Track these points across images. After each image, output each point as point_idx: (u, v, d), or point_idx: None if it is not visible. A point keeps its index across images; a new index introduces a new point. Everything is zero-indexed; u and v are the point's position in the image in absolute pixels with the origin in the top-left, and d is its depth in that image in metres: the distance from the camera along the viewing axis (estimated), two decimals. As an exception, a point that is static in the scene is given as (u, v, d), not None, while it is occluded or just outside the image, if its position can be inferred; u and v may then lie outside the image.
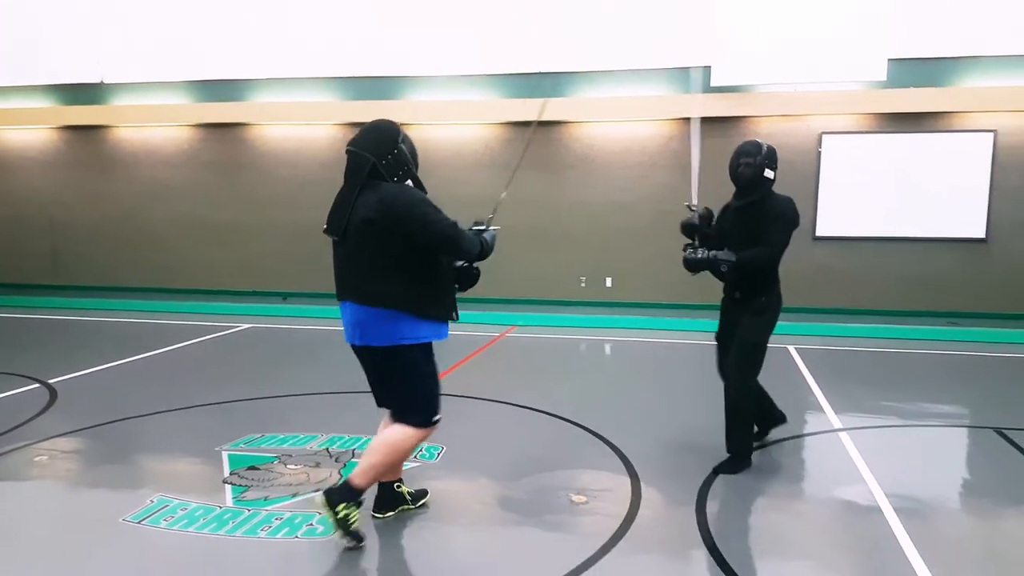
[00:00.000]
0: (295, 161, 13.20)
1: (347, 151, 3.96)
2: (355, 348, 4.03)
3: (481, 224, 4.15)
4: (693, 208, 5.20)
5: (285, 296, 13.09)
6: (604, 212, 11.78)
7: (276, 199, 13.31)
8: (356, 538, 3.90)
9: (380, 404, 4.19)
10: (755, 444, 5.37)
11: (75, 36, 13.63)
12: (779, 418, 5.58)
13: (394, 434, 3.96)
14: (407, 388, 3.97)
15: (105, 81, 13.65)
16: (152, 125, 13.68)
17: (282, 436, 5.78)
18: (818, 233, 11.40)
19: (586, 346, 9.97)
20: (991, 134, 10.89)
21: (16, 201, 14.45)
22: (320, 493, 3.88)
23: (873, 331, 10.35)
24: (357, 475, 3.90)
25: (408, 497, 4.38)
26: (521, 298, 11.94)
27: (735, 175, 5.03)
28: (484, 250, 4.07)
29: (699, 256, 4.89)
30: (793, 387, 7.51)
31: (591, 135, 12.08)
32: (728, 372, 5.16)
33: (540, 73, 12.07)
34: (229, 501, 4.55)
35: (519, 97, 12.09)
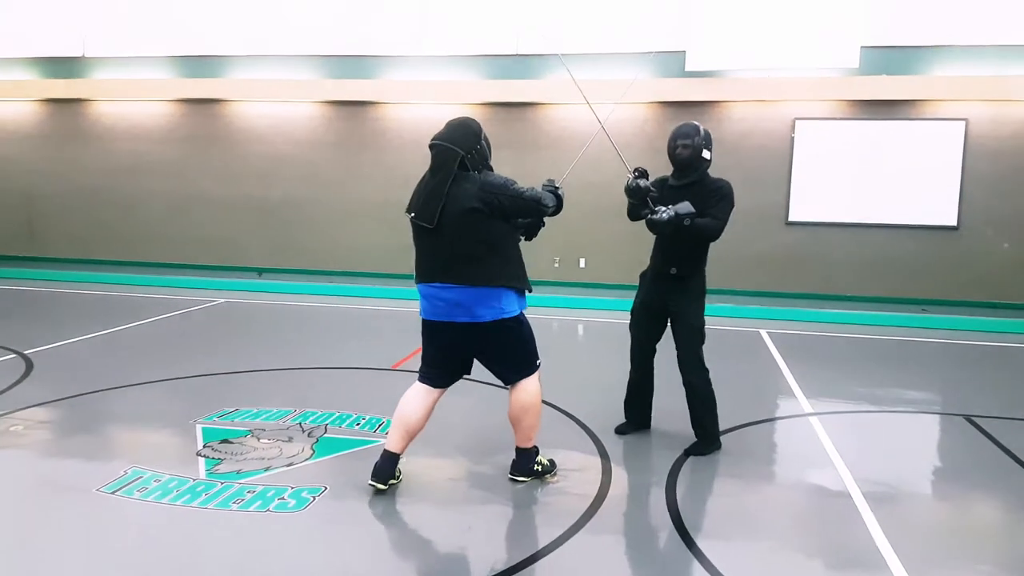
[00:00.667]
0: (271, 138, 13.16)
1: (433, 145, 4.29)
2: (445, 326, 4.32)
3: (554, 182, 4.60)
4: (637, 173, 5.02)
5: (260, 272, 13.08)
6: (578, 193, 11.75)
7: (252, 175, 13.27)
8: (551, 469, 4.67)
9: (443, 384, 4.49)
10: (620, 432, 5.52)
11: (57, 8, 13.47)
12: (646, 421, 5.64)
13: (521, 395, 4.44)
14: (517, 351, 4.43)
15: (86, 55, 13.52)
16: (131, 100, 13.57)
17: (256, 410, 5.83)
18: (791, 218, 11.52)
19: (559, 326, 10.06)
20: (963, 122, 11.02)
21: (-7, 173, 14.36)
22: (510, 477, 4.58)
23: (845, 317, 10.50)
24: (521, 442, 4.55)
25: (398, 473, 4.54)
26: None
27: (673, 156, 5.16)
28: (560, 202, 4.50)
29: (665, 217, 4.80)
30: (764, 371, 7.65)
31: (565, 116, 12.10)
32: (684, 361, 5.18)
33: (516, 55, 12.09)
34: (202, 474, 4.61)
35: (495, 78, 12.11)
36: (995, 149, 11.01)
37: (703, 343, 5.20)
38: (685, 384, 5.21)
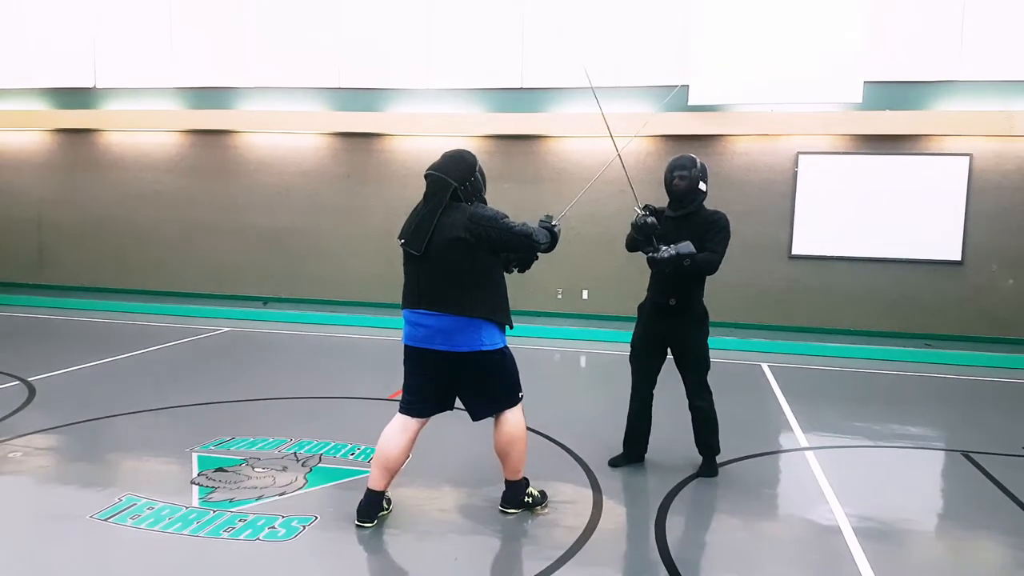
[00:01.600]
0: (279, 168, 13.28)
1: (428, 175, 4.37)
2: (424, 353, 4.35)
3: (551, 218, 4.58)
4: (647, 211, 5.12)
5: (266, 301, 13.15)
6: (581, 225, 11.88)
7: (259, 205, 13.38)
8: (542, 500, 4.70)
9: (423, 414, 4.47)
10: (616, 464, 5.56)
11: (68, 40, 13.70)
12: (641, 454, 5.66)
13: (506, 427, 4.47)
14: (499, 383, 4.47)
15: (98, 85, 13.72)
16: (141, 130, 13.74)
17: (252, 439, 5.87)
18: (794, 252, 11.53)
19: (560, 357, 10.07)
20: (967, 158, 11.05)
21: (5, 201, 14.48)
22: (500, 510, 4.62)
23: (847, 351, 10.47)
24: (510, 475, 4.57)
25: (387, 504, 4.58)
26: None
27: (670, 187, 5.25)
28: (554, 239, 4.51)
29: (666, 256, 4.90)
30: (763, 404, 7.63)
31: (568, 149, 12.19)
32: (692, 388, 5.36)
33: (520, 88, 12.20)
34: (195, 502, 4.64)
35: (500, 111, 12.22)
36: (999, 184, 11.02)
37: (709, 369, 5.35)
38: (692, 409, 5.37)
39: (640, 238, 5.06)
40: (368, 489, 4.41)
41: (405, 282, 4.40)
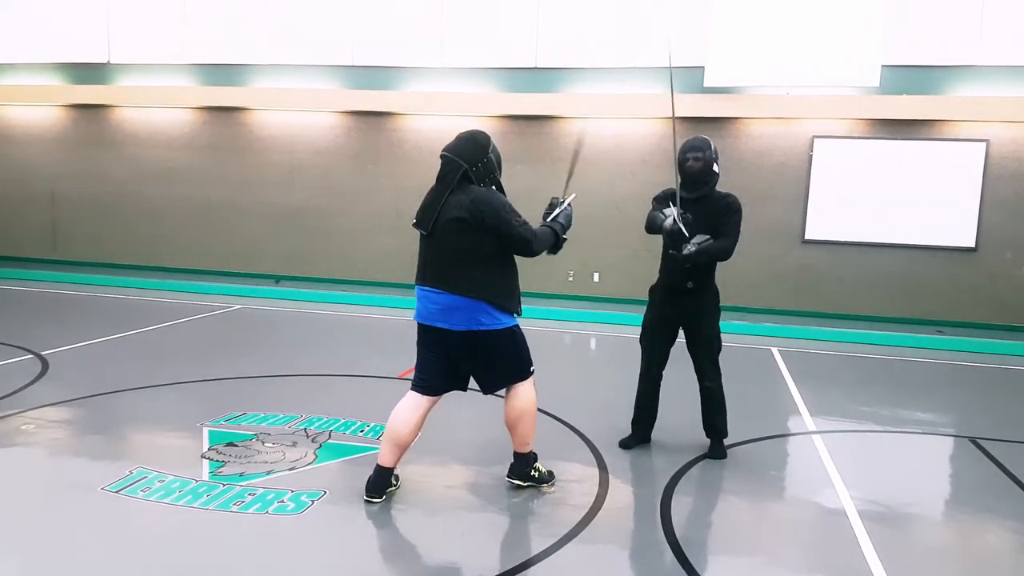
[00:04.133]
0: (292, 146, 13.28)
1: (441, 156, 4.42)
2: (430, 330, 4.41)
3: (557, 200, 4.73)
4: (685, 219, 5.10)
5: (278, 279, 13.20)
6: (594, 208, 11.85)
7: (272, 182, 13.39)
8: (549, 479, 4.73)
9: (434, 392, 4.50)
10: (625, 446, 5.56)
11: (82, 15, 13.71)
12: (649, 435, 5.66)
13: (515, 401, 4.52)
14: (505, 361, 4.48)
15: (112, 61, 13.74)
16: (155, 106, 13.76)
17: (263, 415, 5.91)
18: (807, 236, 11.47)
19: (570, 339, 10.08)
20: (983, 143, 10.95)
21: (20, 176, 14.55)
22: (507, 479, 4.67)
23: (858, 336, 10.44)
24: (518, 446, 4.62)
25: (394, 482, 4.61)
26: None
27: (683, 168, 5.21)
28: (560, 239, 4.64)
29: (694, 251, 4.94)
30: (772, 389, 7.63)
31: (582, 130, 12.14)
32: (703, 368, 5.39)
33: (535, 68, 12.15)
34: (205, 475, 4.69)
35: (514, 91, 12.17)
36: (1016, 171, 10.93)
37: (720, 350, 5.40)
38: (703, 390, 5.42)
39: (668, 240, 5.12)
40: (378, 465, 4.44)
41: (418, 259, 4.46)
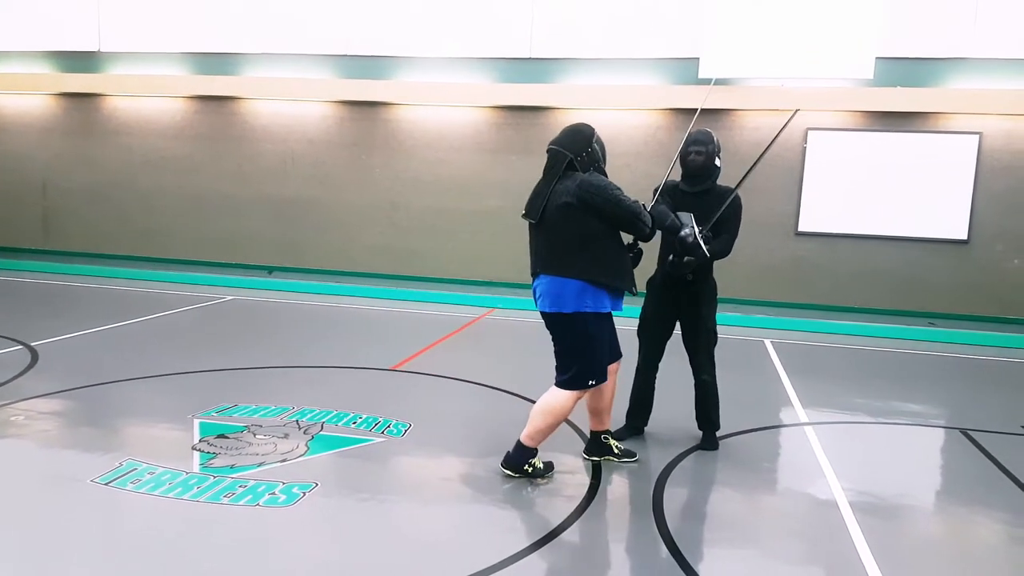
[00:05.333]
0: (285, 136, 13.22)
1: (548, 149, 4.61)
2: (543, 315, 4.61)
3: (693, 226, 4.94)
4: (705, 237, 5.11)
5: (270, 270, 13.16)
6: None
7: (265, 173, 13.33)
8: (543, 473, 4.69)
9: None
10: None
11: (73, 3, 13.61)
12: (643, 426, 5.67)
13: (548, 398, 4.61)
14: (576, 348, 4.55)
15: (102, 49, 13.65)
16: (146, 96, 13.69)
17: (254, 407, 5.88)
18: (800, 228, 11.47)
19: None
20: (976, 136, 10.96)
21: (10, 166, 14.46)
22: (503, 465, 4.66)
23: (851, 328, 10.46)
24: (525, 437, 4.63)
25: (616, 451, 5.05)
26: (501, 281, 12.03)
27: (686, 162, 5.23)
28: (656, 226, 4.71)
29: (695, 259, 5.01)
30: (764, 381, 7.63)
31: (578, 121, 12.10)
32: (699, 361, 5.40)
33: (529, 58, 12.11)
34: (196, 467, 4.66)
35: (509, 82, 12.13)
36: (1009, 164, 10.93)
37: (716, 343, 5.44)
38: (698, 383, 5.43)
39: (679, 249, 5.07)
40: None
41: (530, 254, 4.69)
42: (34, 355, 7.24)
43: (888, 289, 11.37)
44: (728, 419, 5.71)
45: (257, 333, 9.04)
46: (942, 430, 6.34)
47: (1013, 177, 10.91)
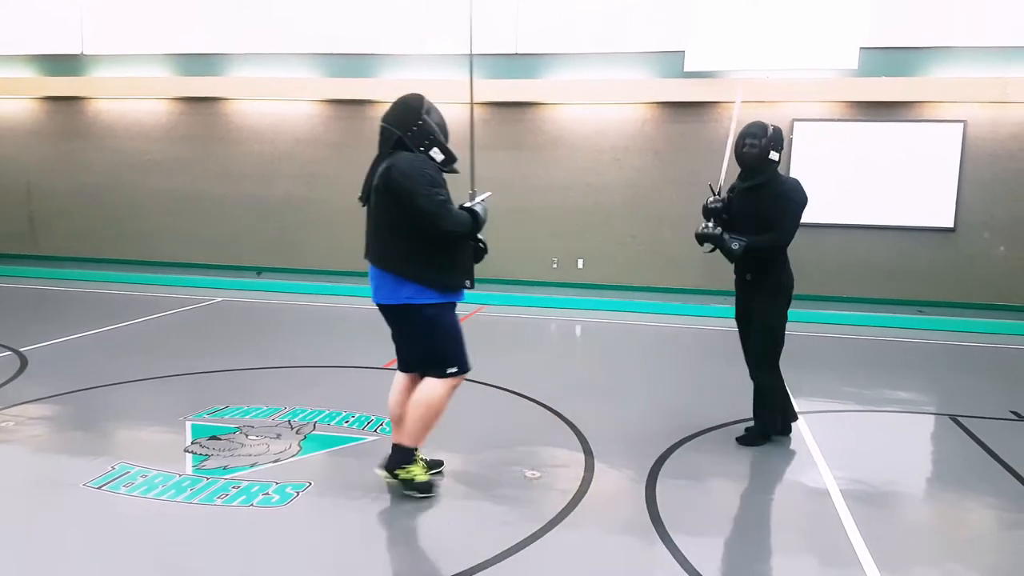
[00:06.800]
0: (271, 136, 13.20)
1: (380, 126, 4.23)
2: (379, 307, 4.29)
3: (475, 196, 4.48)
4: (716, 194, 5.24)
5: (259, 271, 13.13)
6: (577, 194, 11.87)
7: (252, 174, 13.31)
8: (425, 490, 4.29)
9: (401, 368, 4.44)
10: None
11: (55, 5, 13.54)
12: (791, 416, 5.54)
13: (422, 390, 4.25)
14: (422, 343, 4.23)
15: (85, 52, 13.59)
16: (131, 98, 13.63)
17: (246, 408, 5.88)
18: (789, 219, 11.51)
19: (555, 327, 10.08)
20: (961, 124, 11.02)
21: (-6, 170, 14.44)
22: (382, 468, 4.34)
23: (840, 318, 10.49)
24: (403, 437, 4.28)
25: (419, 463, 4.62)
26: (492, 278, 12.02)
27: (740, 156, 5.06)
28: (478, 223, 4.27)
29: (709, 231, 5.01)
30: (753, 370, 7.65)
31: (564, 117, 12.14)
32: (749, 359, 5.34)
33: (515, 54, 12.11)
34: (189, 469, 4.66)
35: (494, 78, 12.12)
36: (993, 151, 11.01)
37: (775, 344, 5.23)
38: (751, 379, 5.33)
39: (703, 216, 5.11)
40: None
41: None
42: (23, 360, 7.21)
43: (876, 278, 11.44)
44: (720, 410, 5.80)
45: (247, 334, 9.02)
46: (932, 417, 6.38)
47: (998, 165, 10.99)
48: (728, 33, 10.88)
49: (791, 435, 5.51)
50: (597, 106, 11.94)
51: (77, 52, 13.60)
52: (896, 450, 5.58)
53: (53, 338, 8.14)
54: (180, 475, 4.55)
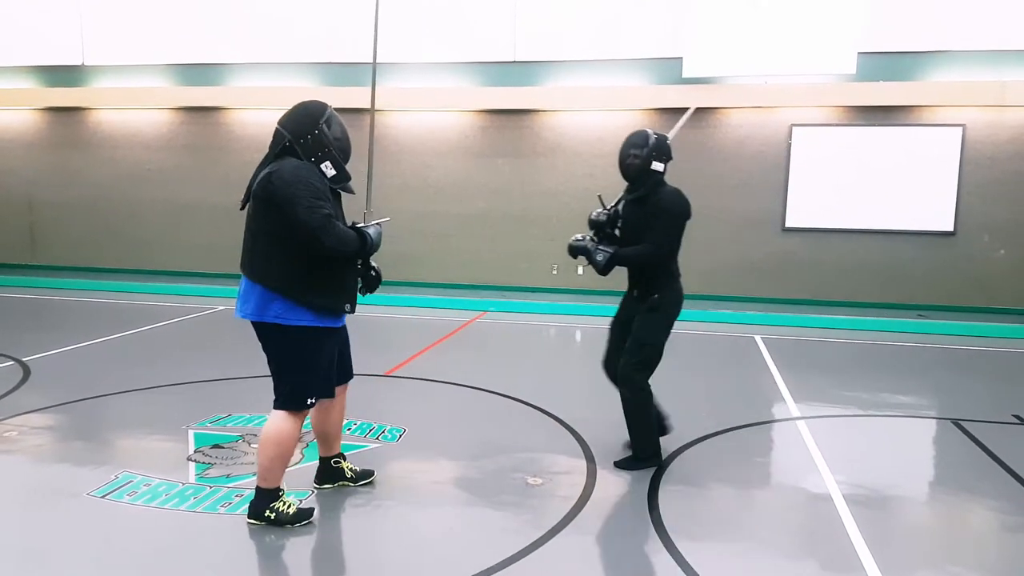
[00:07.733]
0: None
1: (275, 128, 3.95)
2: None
3: (366, 215, 4.22)
4: (604, 206, 5.12)
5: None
6: (577, 201, 11.86)
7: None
8: (302, 518, 4.00)
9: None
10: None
11: (56, 17, 13.59)
12: (664, 429, 5.29)
13: (268, 426, 3.94)
14: (274, 366, 3.96)
15: (86, 63, 13.63)
16: (131, 108, 13.67)
17: (248, 416, 5.89)
18: (787, 224, 11.54)
19: (555, 333, 10.10)
20: (960, 128, 11.05)
21: (-5, 181, 14.48)
22: (246, 516, 4.02)
23: (840, 322, 10.51)
24: (258, 479, 3.99)
25: (348, 474, 4.54)
26: (492, 284, 12.05)
27: (623, 167, 4.90)
28: (368, 247, 4.01)
29: (578, 242, 4.96)
30: (755, 376, 7.67)
31: (563, 124, 12.18)
32: (619, 372, 5.00)
33: (513, 62, 12.14)
34: (192, 478, 4.66)
35: (492, 85, 12.16)
36: (992, 155, 11.04)
37: (646, 359, 4.92)
38: (619, 393, 5.03)
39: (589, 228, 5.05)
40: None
41: None
42: (26, 370, 7.22)
43: (876, 282, 11.46)
44: (721, 415, 5.79)
45: (248, 343, 8.90)
46: (933, 421, 6.38)
47: (997, 168, 11.02)
48: (726, 39, 10.92)
49: (662, 460, 5.09)
50: (596, 113, 11.97)
51: (78, 63, 13.65)
52: (898, 454, 5.58)
53: (56, 348, 8.15)
54: (183, 484, 4.56)
